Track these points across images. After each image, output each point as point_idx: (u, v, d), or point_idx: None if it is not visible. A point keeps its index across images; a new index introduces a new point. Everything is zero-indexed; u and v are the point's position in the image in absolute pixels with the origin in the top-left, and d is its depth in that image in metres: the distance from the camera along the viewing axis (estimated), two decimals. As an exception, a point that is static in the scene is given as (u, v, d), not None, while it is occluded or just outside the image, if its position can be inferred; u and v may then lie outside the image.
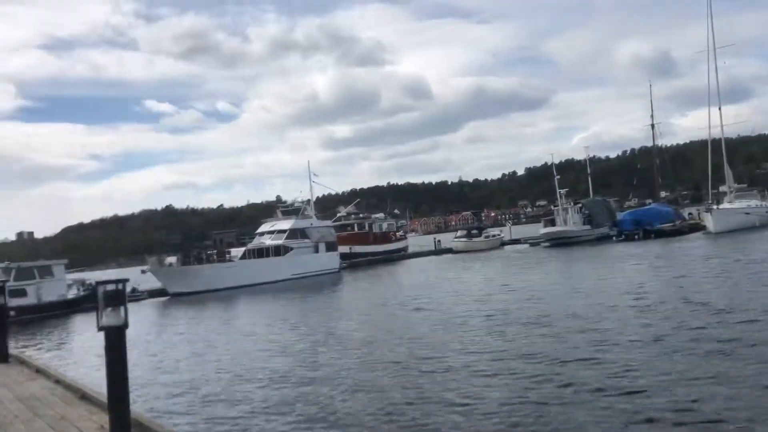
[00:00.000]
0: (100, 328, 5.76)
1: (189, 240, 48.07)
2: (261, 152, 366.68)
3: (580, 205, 60.88)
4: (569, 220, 58.83)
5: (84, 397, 7.41)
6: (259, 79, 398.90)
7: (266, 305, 31.56)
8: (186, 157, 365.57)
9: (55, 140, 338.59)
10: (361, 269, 52.42)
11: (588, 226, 59.24)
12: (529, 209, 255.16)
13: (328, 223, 54.75)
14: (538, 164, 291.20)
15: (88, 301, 38.41)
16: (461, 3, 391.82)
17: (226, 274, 43.50)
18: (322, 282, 43.14)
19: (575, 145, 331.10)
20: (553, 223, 60.36)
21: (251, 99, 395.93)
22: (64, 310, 35.81)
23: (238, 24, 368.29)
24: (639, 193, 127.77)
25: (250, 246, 48.13)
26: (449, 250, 64.20)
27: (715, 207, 49.66)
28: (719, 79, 52.08)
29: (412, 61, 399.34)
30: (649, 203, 65.96)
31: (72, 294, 37.83)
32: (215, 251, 45.73)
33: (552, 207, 64.61)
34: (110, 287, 5.78)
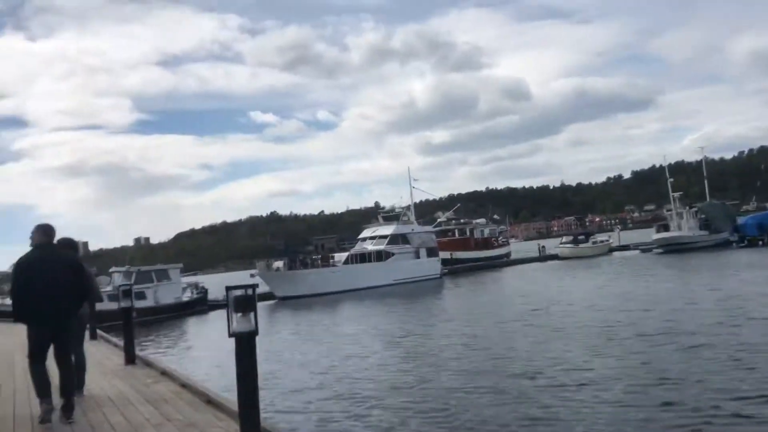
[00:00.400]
0: (231, 335, 5.68)
1: (292, 246, 49.28)
2: (360, 159, 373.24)
3: (695, 209, 57.30)
4: (684, 225, 55.52)
5: (210, 402, 7.40)
6: (358, 87, 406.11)
7: (370, 311, 31.57)
8: (288, 166, 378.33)
9: (168, 151, 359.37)
10: (462, 275, 51.67)
11: (705, 232, 55.65)
12: (636, 214, 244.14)
13: (429, 228, 54.44)
14: (645, 167, 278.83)
15: (201, 304, 40.12)
16: (560, 3, 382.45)
17: (330, 278, 44.09)
18: (423, 288, 42.87)
19: (686, 146, 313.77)
20: (666, 228, 57.12)
21: (350, 107, 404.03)
22: (179, 312, 37.42)
23: (338, 34, 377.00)
24: (762, 196, 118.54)
25: (352, 251, 48.59)
26: (554, 257, 62.21)
27: None
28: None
29: (511, 63, 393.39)
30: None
31: (186, 297, 39.49)
32: (320, 256, 46.50)
33: (665, 211, 61.10)
34: (240, 293, 5.62)
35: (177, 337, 28.51)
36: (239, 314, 5.72)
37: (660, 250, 55.11)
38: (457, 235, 61.00)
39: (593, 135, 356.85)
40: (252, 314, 5.56)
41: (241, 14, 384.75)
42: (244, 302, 5.81)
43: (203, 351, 22.03)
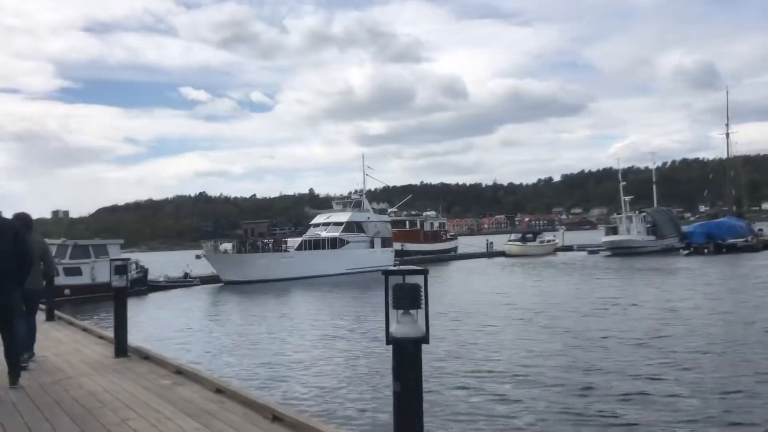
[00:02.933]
0: (389, 341, 3.83)
1: (221, 228, 46.70)
2: (294, 144, 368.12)
3: (644, 214, 58.09)
4: (633, 229, 56.19)
5: (278, 419, 5.56)
6: (295, 71, 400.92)
7: (324, 301, 29.66)
8: (219, 145, 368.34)
9: (92, 122, 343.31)
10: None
11: (653, 237, 56.51)
12: (564, 216, 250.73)
13: (385, 218, 52.82)
14: (575, 171, 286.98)
15: (140, 284, 37.15)
16: (502, 4, 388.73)
17: (281, 264, 41.87)
18: (377, 279, 41.22)
19: (612, 153, 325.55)
20: (615, 231, 57.72)
21: (286, 90, 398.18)
22: (118, 292, 34.42)
23: (276, 15, 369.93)
24: (682, 206, 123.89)
25: (305, 237, 46.50)
26: (502, 253, 61.97)
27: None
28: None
29: (449, 60, 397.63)
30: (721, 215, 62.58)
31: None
32: (272, 240, 44.16)
33: (615, 214, 61.55)
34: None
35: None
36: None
37: (608, 253, 55.57)
38: (407, 226, 59.71)
39: (525, 136, 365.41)
40: (421, 312, 3.78)
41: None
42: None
43: (161, 334, 19.70)
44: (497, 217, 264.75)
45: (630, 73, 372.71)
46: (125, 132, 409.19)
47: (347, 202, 52.49)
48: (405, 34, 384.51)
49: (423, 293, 3.89)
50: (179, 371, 7.65)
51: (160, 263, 50.96)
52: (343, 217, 47.74)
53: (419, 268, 3.98)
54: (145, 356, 8.70)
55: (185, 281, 40.37)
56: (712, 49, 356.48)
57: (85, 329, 11.78)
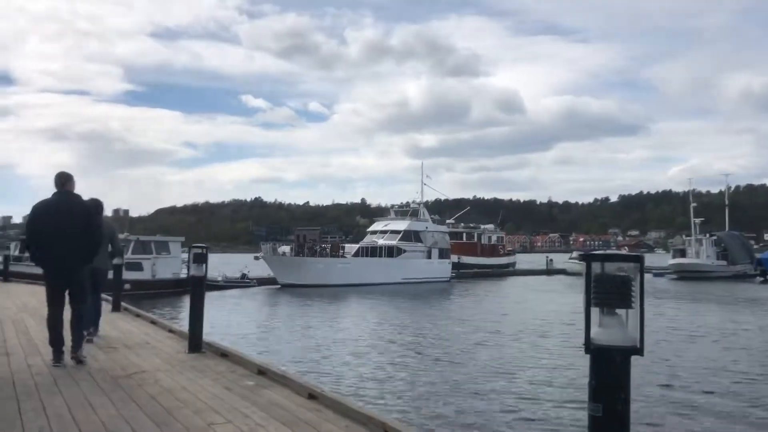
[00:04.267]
0: (589, 349, 2.83)
1: (273, 233, 46.04)
2: (348, 154, 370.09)
3: (715, 237, 55.27)
4: (702, 252, 53.48)
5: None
6: (352, 82, 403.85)
7: (382, 311, 28.65)
8: (275, 153, 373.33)
9: (154, 125, 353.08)
10: (469, 281, 48.98)
11: (723, 262, 53.67)
12: (620, 238, 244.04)
13: (444, 228, 51.63)
14: (633, 192, 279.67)
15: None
16: (561, 21, 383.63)
17: (338, 270, 41.24)
18: (434, 290, 40.13)
19: (671, 176, 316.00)
20: (683, 254, 55.08)
21: (343, 101, 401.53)
22: (176, 288, 34.37)
23: (336, 26, 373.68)
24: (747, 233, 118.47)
25: (362, 243, 45.79)
26: (562, 271, 59.93)
27: None
28: None
29: (507, 75, 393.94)
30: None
31: (185, 273, 36.43)
32: (329, 245, 43.60)
33: (683, 236, 58.76)
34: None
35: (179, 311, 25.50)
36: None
37: (674, 276, 52.98)
38: (464, 239, 58.36)
39: (581, 155, 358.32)
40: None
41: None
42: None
43: (226, 332, 19.13)
44: (551, 235, 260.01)
45: (691, 95, 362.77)
46: (185, 136, 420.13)
47: (405, 210, 51.58)
48: (464, 48, 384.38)
49: (637, 287, 2.94)
50: (262, 371, 6.84)
51: (215, 264, 51.04)
52: (401, 225, 46.85)
53: (632, 254, 3.02)
54: (223, 353, 7.95)
55: (242, 282, 40.14)
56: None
57: (153, 322, 11.18)
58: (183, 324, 11.91)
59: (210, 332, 16.35)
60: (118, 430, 4.66)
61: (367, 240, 47.00)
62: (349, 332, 19.67)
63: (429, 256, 47.18)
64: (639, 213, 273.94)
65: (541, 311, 26.94)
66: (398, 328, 20.79)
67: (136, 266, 33.14)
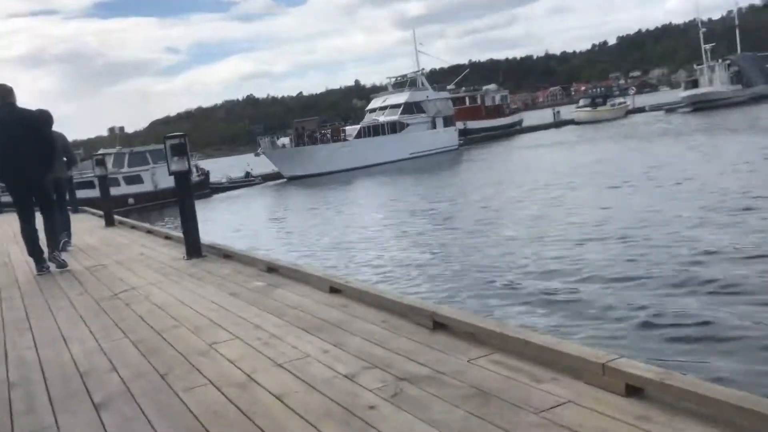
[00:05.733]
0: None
1: (271, 129, 44.44)
2: (333, 36, 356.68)
3: (728, 61, 52.73)
4: (716, 79, 51.24)
5: (439, 325, 3.58)
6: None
7: (388, 189, 27.58)
8: (258, 46, 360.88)
9: (130, 35, 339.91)
10: (478, 146, 47.58)
11: (738, 86, 51.57)
12: (621, 81, 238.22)
13: (446, 94, 49.45)
14: (631, 32, 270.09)
15: (203, 187, 36.07)
16: None
17: (341, 154, 39.90)
18: (444, 161, 38.91)
19: (669, 8, 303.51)
20: (695, 84, 52.84)
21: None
22: (181, 197, 33.43)
23: None
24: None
25: (363, 123, 44.12)
26: (571, 122, 58.33)
27: None
28: None
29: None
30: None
31: (195, 179, 35.42)
32: (329, 130, 42.00)
33: (694, 66, 55.95)
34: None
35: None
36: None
37: (687, 109, 51.19)
38: (468, 103, 56.23)
39: (573, 1, 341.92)
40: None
41: None
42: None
43: (236, 234, 18.24)
44: (552, 89, 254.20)
45: None
46: (164, 42, 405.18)
47: (402, 82, 49.34)
48: None
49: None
50: (272, 268, 5.73)
51: (219, 168, 49.87)
52: (401, 98, 44.84)
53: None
54: (226, 254, 6.85)
55: (248, 181, 39.13)
56: None
57: (149, 231, 10.07)
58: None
59: (216, 235, 15.46)
60: (93, 368, 3.58)
61: (367, 119, 45.26)
62: (362, 219, 18.56)
63: (434, 126, 45.54)
64: (639, 53, 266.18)
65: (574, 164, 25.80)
66: (413, 207, 19.68)
67: (136, 179, 32.11)
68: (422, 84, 48.06)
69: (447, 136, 46.13)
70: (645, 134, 36.36)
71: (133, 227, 11.06)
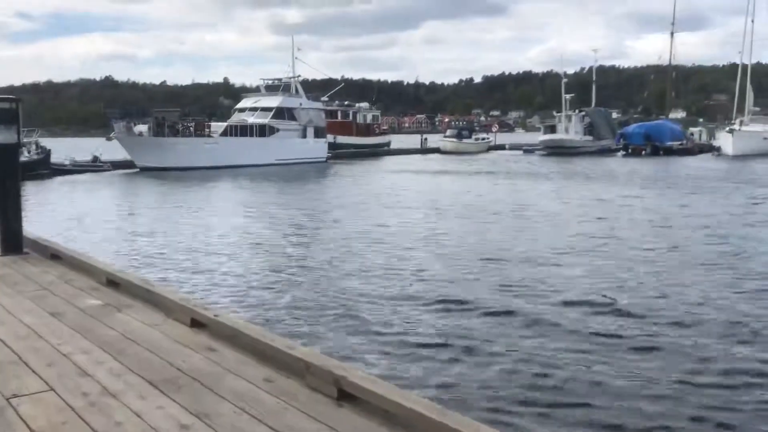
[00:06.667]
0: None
1: (128, 115, 41.40)
2: (206, 30, 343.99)
3: (583, 113, 56.66)
4: (571, 128, 54.83)
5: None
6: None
7: (253, 195, 26.11)
8: (123, 26, 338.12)
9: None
10: (345, 162, 47.13)
11: (590, 137, 55.54)
12: (482, 118, 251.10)
13: (319, 105, 48.48)
14: (495, 73, 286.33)
15: (42, 166, 32.47)
16: None
17: (204, 151, 37.64)
18: (311, 172, 37.92)
19: (531, 57, 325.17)
20: (553, 130, 56.18)
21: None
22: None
23: None
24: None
25: (231, 122, 42.07)
26: (437, 150, 59.77)
27: (737, 128, 46.52)
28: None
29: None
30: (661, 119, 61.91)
31: (24, 157, 31.61)
32: (193, 123, 39.48)
33: (554, 113, 59.58)
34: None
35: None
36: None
37: (543, 152, 54.20)
38: (340, 117, 55.73)
39: (448, 35, 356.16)
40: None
41: None
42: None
43: (71, 225, 16.02)
44: (418, 116, 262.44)
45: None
46: (16, 5, 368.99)
47: (275, 86, 47.84)
48: None
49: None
50: (113, 281, 4.50)
51: (64, 148, 45.35)
52: (273, 101, 43.33)
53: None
54: (54, 254, 5.46)
55: (95, 166, 35.73)
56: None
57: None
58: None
59: (44, 227, 13.32)
60: None
61: (235, 118, 43.25)
62: (221, 225, 16.74)
63: (304, 135, 44.42)
64: (501, 93, 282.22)
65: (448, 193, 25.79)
66: (277, 219, 18.37)
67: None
68: (296, 90, 46.85)
69: (316, 147, 45.21)
70: (512, 171, 37.61)
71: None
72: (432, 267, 10.77)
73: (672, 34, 59.66)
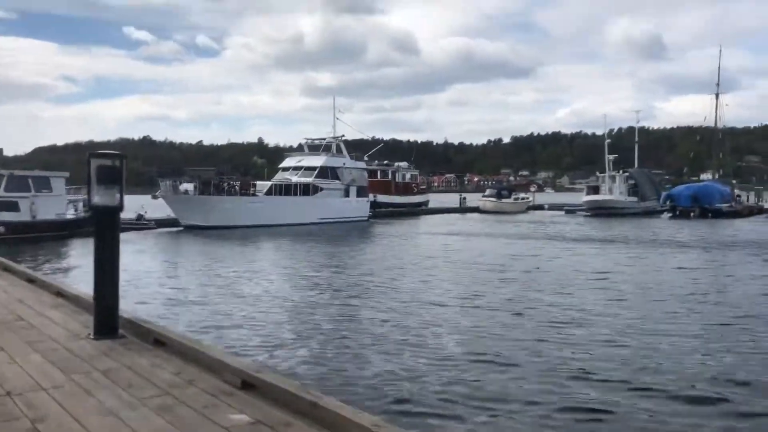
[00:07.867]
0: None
1: (164, 174, 41.39)
2: (241, 92, 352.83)
3: (627, 173, 55.55)
4: (615, 189, 53.65)
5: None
6: (242, 15, 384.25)
7: (308, 256, 25.33)
8: (162, 89, 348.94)
9: (25, 56, 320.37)
10: (386, 221, 46.44)
11: (635, 198, 54.26)
12: (511, 178, 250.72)
13: (362, 164, 48.29)
14: (524, 134, 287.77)
15: (89, 224, 32.28)
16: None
17: (248, 210, 37.31)
18: (354, 231, 37.22)
19: (559, 118, 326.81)
20: (596, 190, 55.01)
21: (233, 35, 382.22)
22: (61, 231, 29.63)
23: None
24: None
25: (275, 181, 41.86)
26: (476, 209, 58.92)
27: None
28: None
29: (403, 14, 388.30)
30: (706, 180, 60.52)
31: (71, 214, 31.58)
32: (239, 182, 39.32)
33: (597, 173, 58.54)
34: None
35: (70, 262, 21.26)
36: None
37: (587, 213, 52.94)
38: (379, 176, 55.44)
39: (475, 97, 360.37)
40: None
41: None
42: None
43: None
44: (447, 176, 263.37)
45: (579, 39, 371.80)
46: (62, 69, 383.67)
47: (318, 145, 47.85)
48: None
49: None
50: (248, 383, 3.63)
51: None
52: (317, 161, 43.20)
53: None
54: (158, 339, 4.63)
55: (139, 223, 35.51)
56: (659, 20, 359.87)
57: (31, 280, 7.50)
58: (76, 282, 8.26)
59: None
60: None
61: (280, 177, 43.09)
62: (282, 287, 16.14)
63: (347, 195, 44.03)
64: (529, 154, 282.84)
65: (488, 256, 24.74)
66: (328, 282, 17.52)
67: (12, 206, 28.17)
68: (339, 150, 46.80)
69: (359, 206, 44.72)
70: (565, 235, 35.85)
71: (5, 269, 8.40)
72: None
73: (717, 95, 58.69)
